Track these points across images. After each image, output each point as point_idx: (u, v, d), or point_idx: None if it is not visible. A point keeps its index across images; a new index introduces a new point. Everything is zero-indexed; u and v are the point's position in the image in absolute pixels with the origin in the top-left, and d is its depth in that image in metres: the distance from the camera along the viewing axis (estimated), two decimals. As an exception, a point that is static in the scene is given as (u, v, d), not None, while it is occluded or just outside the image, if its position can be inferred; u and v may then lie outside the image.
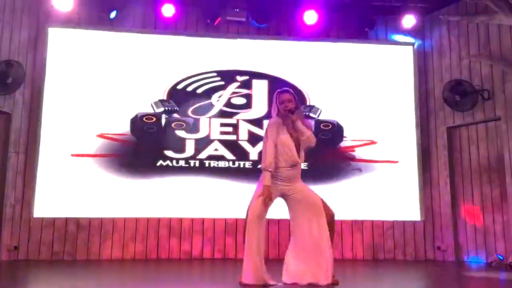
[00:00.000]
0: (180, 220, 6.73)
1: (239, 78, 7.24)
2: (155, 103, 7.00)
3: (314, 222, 3.99)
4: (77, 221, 6.52)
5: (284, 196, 4.10)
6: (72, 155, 6.69)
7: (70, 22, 6.95)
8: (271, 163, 3.97)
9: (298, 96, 4.22)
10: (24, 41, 6.65)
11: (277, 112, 4.14)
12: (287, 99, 4.08)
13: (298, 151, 4.06)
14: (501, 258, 6.10)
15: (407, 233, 6.97)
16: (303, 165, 4.42)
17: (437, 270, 5.85)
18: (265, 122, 4.32)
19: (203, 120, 7.05)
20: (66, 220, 6.51)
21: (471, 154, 6.84)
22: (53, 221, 6.49)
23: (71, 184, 6.61)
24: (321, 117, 7.17)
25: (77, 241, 6.48)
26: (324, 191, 6.57)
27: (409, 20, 7.19)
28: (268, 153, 3.99)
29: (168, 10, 6.93)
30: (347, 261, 6.62)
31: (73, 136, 6.73)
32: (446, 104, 6.86)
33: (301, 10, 7.12)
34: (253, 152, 6.99)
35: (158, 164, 6.85)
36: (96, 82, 6.91)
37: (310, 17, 7.12)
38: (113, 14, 6.83)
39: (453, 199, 6.90)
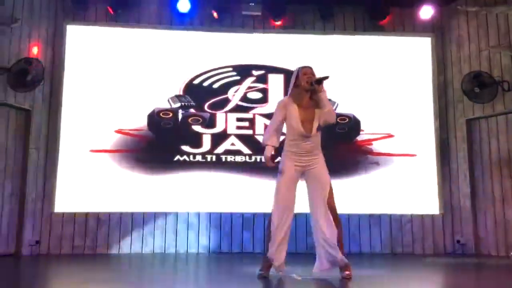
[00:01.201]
0: (198, 214, 6.78)
1: (255, 72, 7.24)
2: (172, 98, 7.04)
3: (319, 201, 4.00)
4: (97, 216, 6.62)
5: (304, 171, 4.08)
6: (91, 150, 6.79)
7: (87, 19, 7.03)
8: (267, 138, 4.14)
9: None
10: (43, 38, 6.74)
11: (294, 86, 4.12)
12: (311, 72, 4.09)
13: (311, 124, 4.04)
14: (522, 251, 6.01)
15: (425, 227, 6.91)
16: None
17: (457, 263, 5.78)
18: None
19: (220, 115, 7.07)
20: (86, 214, 6.62)
21: (491, 146, 6.73)
22: (73, 216, 6.60)
23: (91, 179, 6.71)
24: (338, 111, 7.12)
25: (97, 235, 6.59)
26: (341, 185, 6.61)
27: (426, 11, 7.10)
28: (268, 129, 4.20)
29: (184, 6, 6.96)
30: (365, 255, 6.60)
31: (92, 132, 6.82)
32: (465, 96, 6.76)
33: (317, 3, 7.07)
34: (270, 147, 6.98)
35: (175, 159, 6.90)
36: (113, 78, 6.99)
37: (326, 10, 7.08)
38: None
39: (472, 192, 6.82)
